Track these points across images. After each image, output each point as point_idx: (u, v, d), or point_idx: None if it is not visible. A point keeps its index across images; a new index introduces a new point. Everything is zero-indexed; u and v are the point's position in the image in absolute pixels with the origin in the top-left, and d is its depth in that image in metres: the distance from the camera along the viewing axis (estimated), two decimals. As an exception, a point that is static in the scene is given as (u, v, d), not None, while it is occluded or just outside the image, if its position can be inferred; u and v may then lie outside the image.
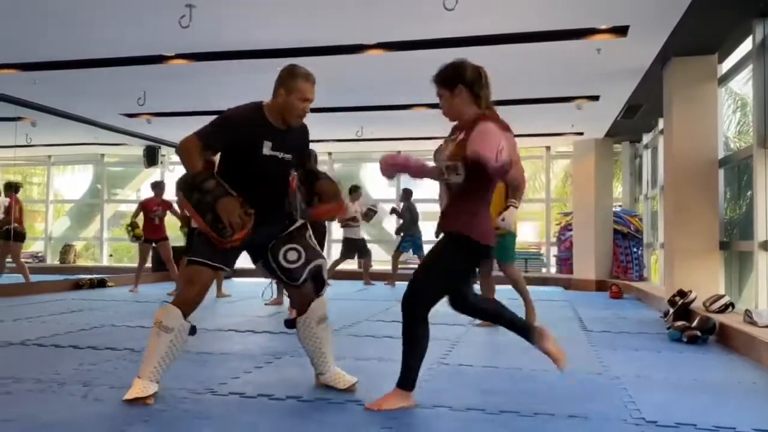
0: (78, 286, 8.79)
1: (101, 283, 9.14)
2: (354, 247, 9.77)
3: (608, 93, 7.53)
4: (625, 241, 10.27)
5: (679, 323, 4.88)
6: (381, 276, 10.35)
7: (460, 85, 2.59)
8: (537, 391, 3.05)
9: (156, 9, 5.07)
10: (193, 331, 2.80)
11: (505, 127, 2.56)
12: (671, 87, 6.30)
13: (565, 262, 11.04)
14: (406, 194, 9.90)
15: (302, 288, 2.97)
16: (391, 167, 2.79)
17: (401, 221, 10.01)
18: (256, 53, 6.11)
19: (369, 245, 10.29)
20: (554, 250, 11.60)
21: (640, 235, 10.25)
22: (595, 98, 7.77)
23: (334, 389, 2.98)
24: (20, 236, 8.68)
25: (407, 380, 2.65)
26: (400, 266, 9.94)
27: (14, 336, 4.48)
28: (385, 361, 3.69)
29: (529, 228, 14.90)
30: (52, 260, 13.40)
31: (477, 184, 2.57)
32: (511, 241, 5.26)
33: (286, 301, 6.53)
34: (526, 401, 2.82)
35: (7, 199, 8.70)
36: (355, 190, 9.64)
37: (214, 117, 2.85)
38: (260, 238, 2.85)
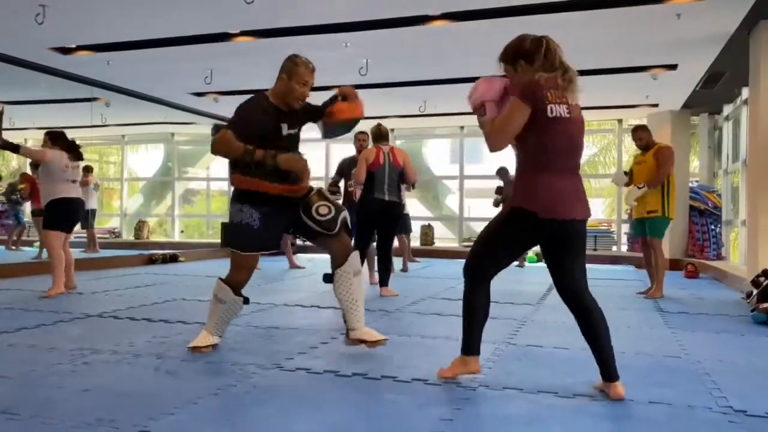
0: (151, 260, 9.12)
1: (173, 258, 9.44)
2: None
3: (687, 61, 7.11)
4: (702, 219, 9.77)
5: (765, 305, 4.58)
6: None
7: (521, 60, 2.51)
8: (612, 374, 2.91)
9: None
10: (246, 301, 3.27)
11: (521, 88, 2.42)
12: (759, 53, 5.87)
13: (637, 239, 10.61)
14: (503, 172, 9.15)
15: (338, 239, 3.25)
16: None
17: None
18: (319, 28, 6.07)
19: (432, 223, 10.04)
20: (625, 228, 11.17)
21: (718, 211, 9.73)
22: (673, 67, 7.35)
23: (364, 344, 3.23)
24: None
25: (466, 345, 2.67)
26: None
27: (92, 308, 4.67)
28: (452, 339, 3.62)
29: (599, 204, 14.44)
30: (128, 236, 13.96)
31: (520, 147, 2.53)
32: (667, 223, 5.85)
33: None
34: (601, 385, 2.70)
35: None
36: None
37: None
38: (293, 212, 3.19)
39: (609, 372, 2.50)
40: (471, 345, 2.66)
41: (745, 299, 5.43)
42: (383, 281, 5.66)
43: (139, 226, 13.72)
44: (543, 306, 5.17)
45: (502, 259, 2.63)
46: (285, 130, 3.15)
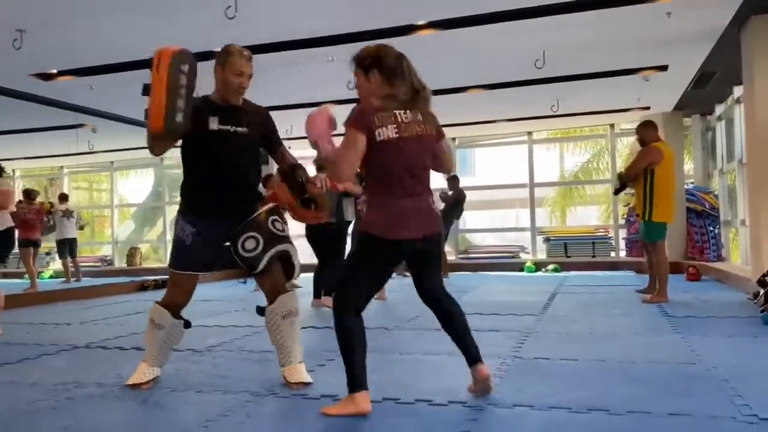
0: (143, 287, 8.93)
1: (165, 284, 9.20)
2: None
3: (678, 61, 7.03)
4: (700, 220, 9.66)
5: (774, 305, 4.45)
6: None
7: (375, 71, 2.49)
8: (626, 385, 2.76)
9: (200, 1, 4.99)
10: (187, 325, 3.07)
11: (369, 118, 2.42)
12: (751, 50, 5.79)
13: (635, 244, 10.47)
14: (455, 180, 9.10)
15: (267, 277, 2.97)
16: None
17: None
18: (303, 42, 5.96)
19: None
20: (623, 233, 11.05)
21: (715, 212, 9.62)
22: (664, 68, 7.27)
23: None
24: None
25: (350, 381, 2.42)
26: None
27: (79, 339, 4.49)
28: (455, 356, 3.45)
29: (594, 211, 14.34)
30: (120, 263, 13.74)
31: (365, 172, 2.53)
32: (655, 226, 5.94)
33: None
34: (616, 397, 2.54)
35: None
36: None
37: None
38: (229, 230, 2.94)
39: (471, 355, 2.60)
40: (355, 380, 2.41)
41: (751, 300, 5.29)
42: (317, 293, 6.05)
43: (131, 253, 13.50)
44: (546, 316, 5.03)
45: (367, 283, 2.54)
46: (215, 124, 2.85)
